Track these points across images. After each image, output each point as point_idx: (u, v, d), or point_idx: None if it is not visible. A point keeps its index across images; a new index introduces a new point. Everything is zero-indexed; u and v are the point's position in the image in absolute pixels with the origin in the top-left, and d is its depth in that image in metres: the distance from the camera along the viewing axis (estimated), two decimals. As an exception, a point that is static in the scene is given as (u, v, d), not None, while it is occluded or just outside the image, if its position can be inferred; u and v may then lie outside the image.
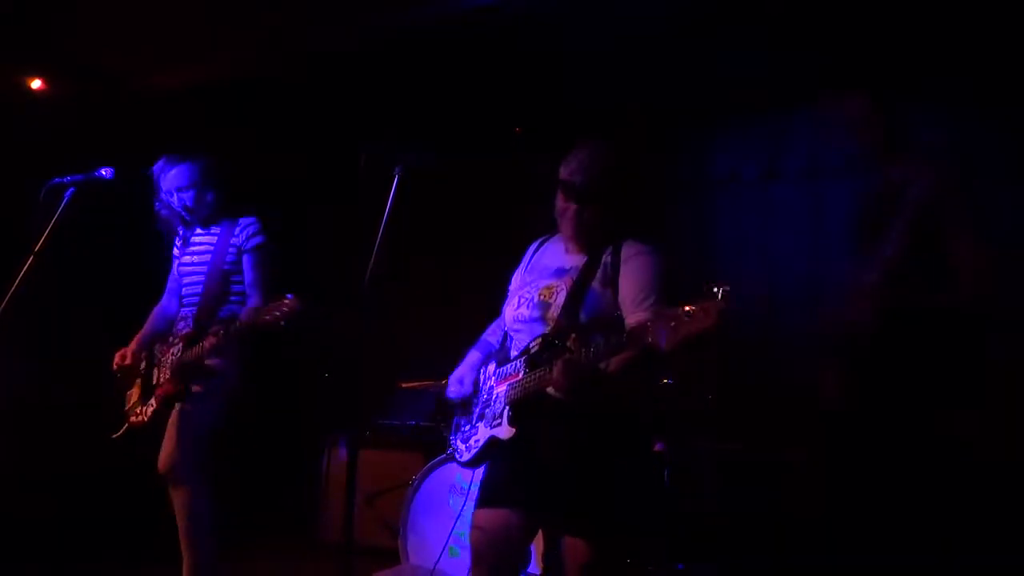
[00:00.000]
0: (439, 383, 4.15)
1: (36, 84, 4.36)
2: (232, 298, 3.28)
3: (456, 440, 2.54)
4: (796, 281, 4.16)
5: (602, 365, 2.13)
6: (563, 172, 2.40)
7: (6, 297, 2.81)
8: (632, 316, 2.23)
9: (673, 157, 4.70)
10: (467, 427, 2.50)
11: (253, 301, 3.21)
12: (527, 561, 3.25)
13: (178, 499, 3.14)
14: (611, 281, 2.30)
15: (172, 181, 3.34)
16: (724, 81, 4.28)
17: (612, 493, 2.29)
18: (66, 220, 2.97)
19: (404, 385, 4.35)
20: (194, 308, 3.28)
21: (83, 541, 3.97)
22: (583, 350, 2.11)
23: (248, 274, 3.27)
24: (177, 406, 3.15)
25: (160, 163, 3.36)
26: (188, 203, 3.33)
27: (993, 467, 2.80)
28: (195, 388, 3.15)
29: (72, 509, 4.01)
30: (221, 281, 3.25)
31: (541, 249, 2.60)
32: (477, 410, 2.48)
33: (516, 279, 2.59)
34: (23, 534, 3.85)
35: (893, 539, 2.38)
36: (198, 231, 3.38)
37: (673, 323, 1.84)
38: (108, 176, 3.11)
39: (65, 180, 3.01)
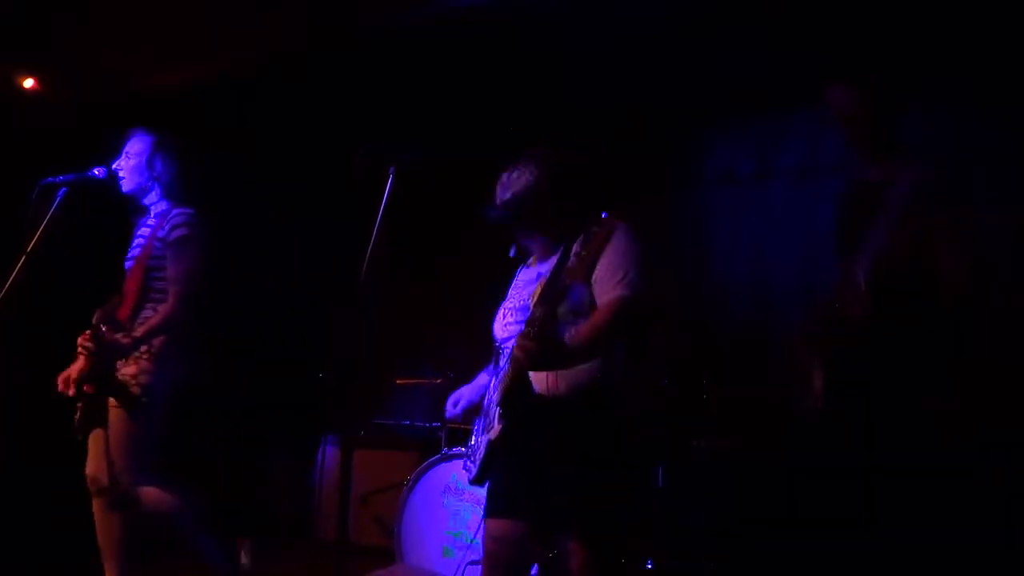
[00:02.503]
0: (434, 381, 4.18)
1: (28, 83, 4.36)
2: (152, 295, 3.06)
3: (467, 462, 2.55)
4: (791, 280, 4.14)
5: (567, 334, 2.23)
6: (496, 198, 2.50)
7: (-2, 297, 2.81)
8: (604, 296, 2.27)
9: (669, 156, 4.69)
10: (474, 446, 2.52)
11: (169, 298, 3.03)
12: None
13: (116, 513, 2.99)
14: (585, 268, 2.29)
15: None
16: (721, 80, 4.27)
17: (605, 493, 2.29)
18: (59, 220, 2.96)
19: (400, 381, 4.36)
20: (118, 305, 3.08)
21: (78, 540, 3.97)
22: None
23: (168, 268, 3.06)
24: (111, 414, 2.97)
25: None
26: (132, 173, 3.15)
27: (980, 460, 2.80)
28: (111, 400, 2.94)
29: (67, 508, 4.01)
30: (143, 276, 3.05)
31: (524, 267, 2.65)
32: (480, 426, 2.50)
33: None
34: (19, 533, 3.86)
35: (883, 535, 2.38)
36: (146, 220, 3.21)
37: (583, 252, 2.07)
38: (101, 176, 3.11)
39: (58, 180, 2.99)
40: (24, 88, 4.38)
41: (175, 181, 3.20)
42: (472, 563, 3.36)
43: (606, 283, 2.27)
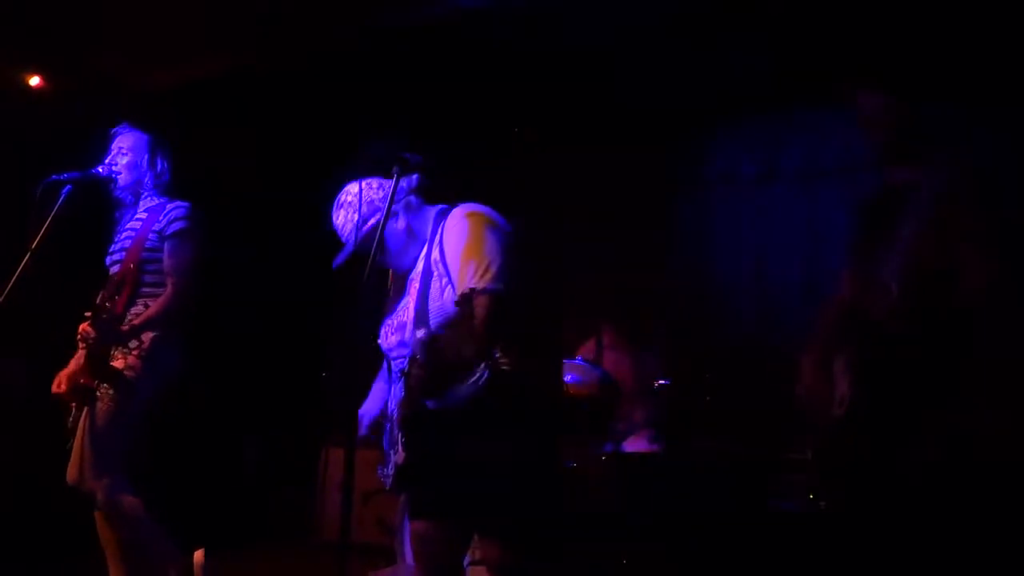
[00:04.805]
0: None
1: (35, 81, 4.37)
2: (143, 289, 3.02)
3: (383, 471, 2.50)
4: (793, 280, 4.16)
5: (449, 352, 2.14)
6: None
7: (2, 295, 2.79)
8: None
9: (670, 157, 4.70)
10: (386, 456, 2.47)
11: (167, 290, 3.00)
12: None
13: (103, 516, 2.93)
14: (441, 276, 2.30)
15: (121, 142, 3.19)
16: (723, 81, 4.28)
17: (525, 494, 2.27)
18: (63, 217, 2.95)
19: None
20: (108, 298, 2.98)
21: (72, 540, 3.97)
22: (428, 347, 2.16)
23: (166, 261, 3.02)
24: (85, 409, 2.90)
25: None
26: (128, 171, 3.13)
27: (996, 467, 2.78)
28: (101, 390, 2.88)
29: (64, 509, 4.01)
30: (136, 269, 3.01)
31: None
32: (387, 439, 2.45)
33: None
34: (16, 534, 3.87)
35: (886, 540, 2.37)
36: (134, 215, 3.17)
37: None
38: (105, 174, 3.11)
39: (62, 177, 2.97)
40: (30, 86, 4.39)
41: (171, 177, 3.20)
42: (472, 563, 3.36)
43: (464, 279, 2.20)
